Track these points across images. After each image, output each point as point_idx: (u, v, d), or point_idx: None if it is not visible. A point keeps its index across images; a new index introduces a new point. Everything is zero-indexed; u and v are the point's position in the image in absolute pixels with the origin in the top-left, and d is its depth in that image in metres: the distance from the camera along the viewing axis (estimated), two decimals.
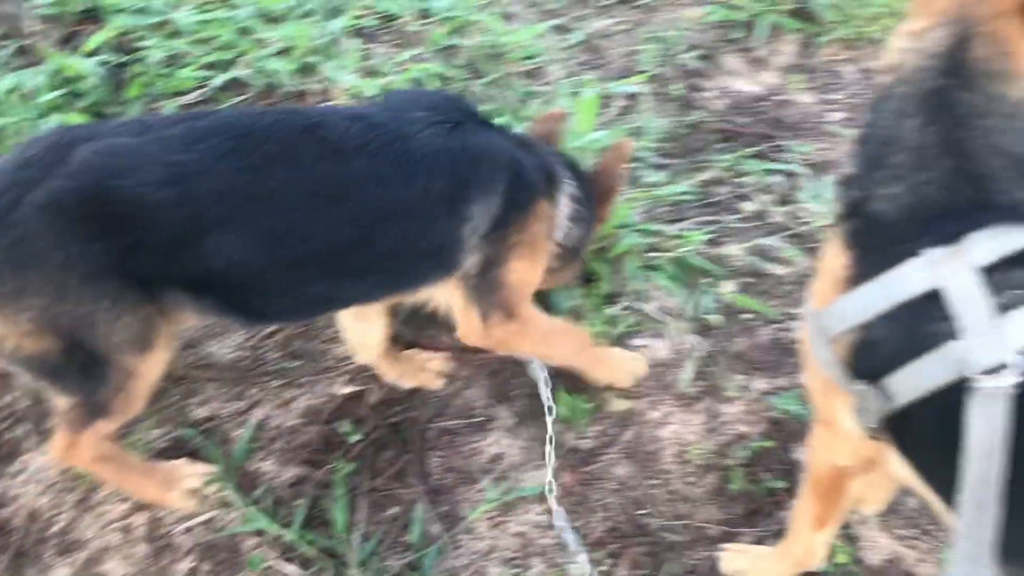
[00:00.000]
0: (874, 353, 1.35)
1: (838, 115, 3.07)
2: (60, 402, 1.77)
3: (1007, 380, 1.18)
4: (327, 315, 2.11)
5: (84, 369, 1.65)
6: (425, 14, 3.10)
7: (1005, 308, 1.22)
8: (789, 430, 2.15)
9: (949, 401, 1.24)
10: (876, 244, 1.35)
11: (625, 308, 2.36)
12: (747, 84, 3.14)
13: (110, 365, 1.65)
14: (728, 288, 2.45)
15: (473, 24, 3.08)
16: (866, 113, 1.44)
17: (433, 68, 2.88)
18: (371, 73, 2.88)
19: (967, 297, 1.24)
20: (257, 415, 2.15)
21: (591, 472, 2.08)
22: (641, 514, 2.01)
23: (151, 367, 1.71)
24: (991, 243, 1.25)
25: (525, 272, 1.92)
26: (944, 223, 1.28)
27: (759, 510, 2.02)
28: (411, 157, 1.70)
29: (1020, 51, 1.29)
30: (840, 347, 1.41)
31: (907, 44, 1.37)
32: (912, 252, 1.29)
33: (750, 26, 3.27)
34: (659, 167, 2.73)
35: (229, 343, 2.26)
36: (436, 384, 2.22)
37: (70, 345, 1.60)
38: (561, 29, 3.18)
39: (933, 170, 1.30)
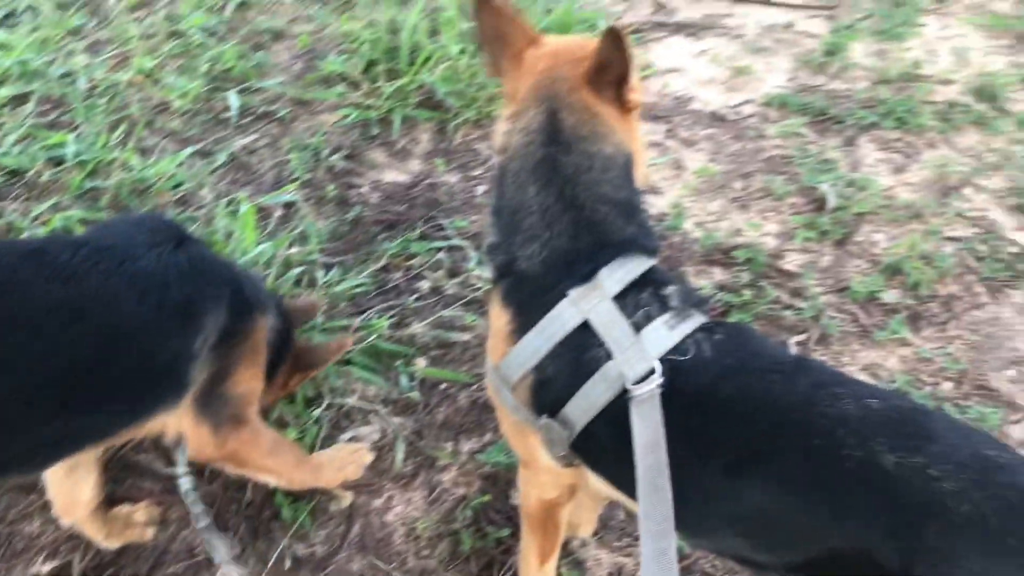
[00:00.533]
0: (549, 389, 1.54)
1: (482, 188, 3.36)
2: None
3: (654, 383, 1.41)
4: (58, 461, 1.85)
5: None
6: (58, 162, 2.98)
7: (639, 327, 1.46)
8: (503, 480, 2.31)
9: (616, 412, 1.44)
10: (529, 297, 1.56)
11: (327, 407, 2.40)
12: (396, 174, 3.34)
13: None
14: (421, 364, 2.59)
15: (110, 163, 3.01)
16: (492, 189, 1.66)
17: (76, 214, 2.78)
18: (9, 231, 2.72)
19: (609, 323, 1.47)
20: None
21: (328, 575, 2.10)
22: None
23: None
24: (616, 274, 1.51)
25: (252, 381, 1.92)
26: (578, 266, 1.52)
27: (492, 561, 2.14)
28: (143, 274, 1.68)
29: (602, 113, 1.56)
30: (521, 392, 1.58)
31: (509, 127, 1.61)
32: (560, 296, 1.50)
33: (386, 122, 3.49)
34: (330, 266, 2.82)
35: None
36: (147, 535, 2.12)
37: None
38: (203, 153, 3.20)
39: (557, 225, 1.54)
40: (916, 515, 1.26)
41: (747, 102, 3.89)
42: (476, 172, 3.43)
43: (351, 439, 2.37)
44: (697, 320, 1.49)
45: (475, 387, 2.54)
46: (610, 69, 1.51)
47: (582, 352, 1.50)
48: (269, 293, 2.15)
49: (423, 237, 3.04)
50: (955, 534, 1.24)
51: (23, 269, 1.58)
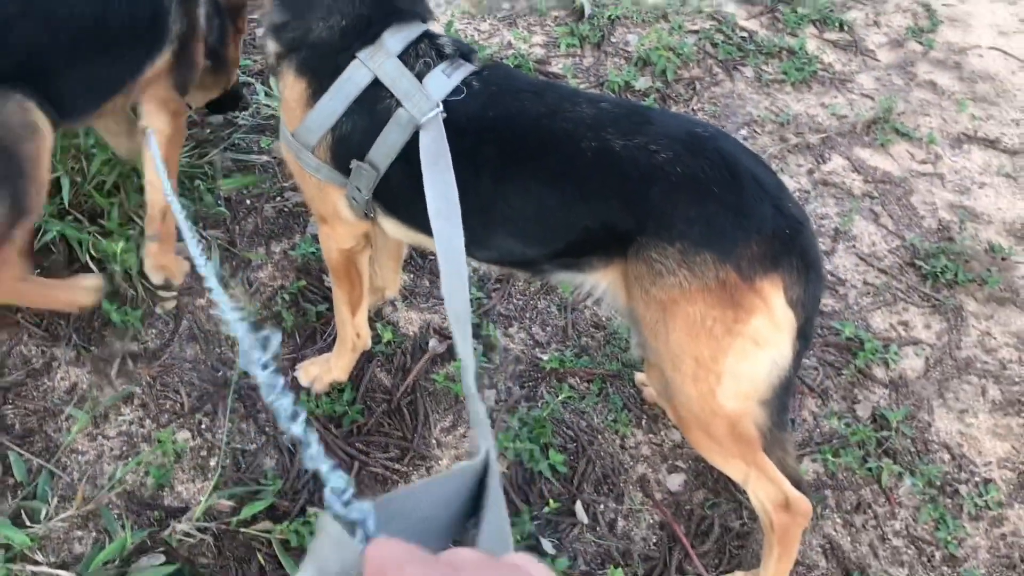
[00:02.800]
0: (349, 143, 1.78)
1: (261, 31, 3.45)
2: None
3: (436, 112, 1.67)
4: (101, 103, 2.18)
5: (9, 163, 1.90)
6: None
7: (421, 76, 1.71)
8: (315, 268, 2.54)
9: (410, 152, 1.70)
10: (323, 64, 1.77)
11: (141, 231, 2.54)
12: None
13: (19, 154, 1.90)
14: (223, 183, 2.74)
15: None
16: None
17: None
18: None
19: (396, 76, 1.72)
20: None
21: (164, 364, 2.28)
22: (220, 375, 2.28)
23: (44, 150, 1.97)
24: (398, 35, 1.74)
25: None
26: (368, 31, 1.74)
27: (314, 332, 2.39)
28: None
29: None
30: (321, 151, 1.81)
31: None
32: (350, 59, 1.72)
33: None
34: None
35: None
36: None
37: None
38: None
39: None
40: (641, 183, 1.61)
41: None
42: (253, 17, 3.52)
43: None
44: (468, 67, 1.75)
45: (278, 198, 2.74)
46: None
47: (375, 105, 1.74)
48: None
49: None
50: (673, 191, 1.60)
51: None
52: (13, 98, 1.89)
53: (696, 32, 3.57)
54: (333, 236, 2.02)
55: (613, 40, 3.51)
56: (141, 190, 2.62)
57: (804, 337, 1.67)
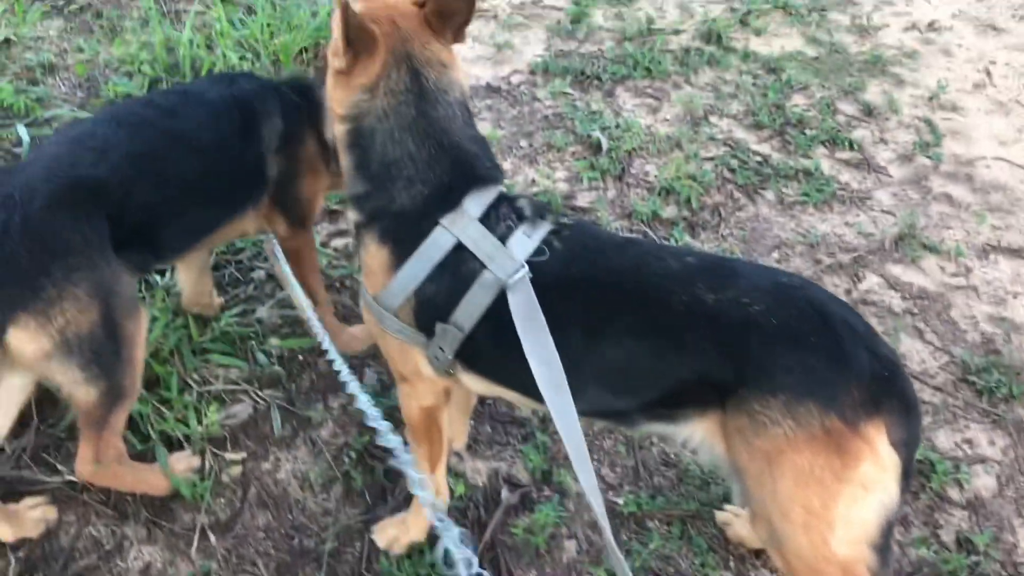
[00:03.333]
0: (433, 305, 1.81)
1: None
2: (86, 398, 1.95)
3: (523, 273, 1.71)
4: (192, 247, 2.38)
5: (108, 343, 1.93)
6: None
7: (504, 238, 1.76)
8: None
9: (496, 312, 1.73)
10: (406, 231, 1.81)
11: (201, 394, 2.53)
12: None
13: (119, 336, 1.95)
14: (275, 342, 2.75)
15: None
16: (345, 151, 1.86)
17: None
18: None
19: (478, 239, 1.76)
20: None
21: (237, 534, 2.24)
22: (296, 542, 2.23)
23: (143, 329, 2.05)
24: (477, 200, 1.79)
25: (313, 185, 2.54)
26: (449, 198, 1.78)
27: (385, 490, 2.36)
28: (212, 103, 2.31)
29: (447, 61, 1.82)
30: (405, 314, 1.84)
31: (366, 95, 1.80)
32: (433, 224, 1.76)
33: None
34: (163, 271, 2.91)
35: None
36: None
37: (106, 308, 1.91)
38: None
39: (437, 168, 1.80)
40: (738, 335, 1.64)
41: (515, 72, 4.27)
42: None
43: (226, 418, 2.51)
44: (547, 225, 1.80)
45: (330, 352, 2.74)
46: (454, 18, 1.79)
47: (459, 268, 1.77)
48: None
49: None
50: (770, 342, 1.63)
51: (144, 114, 2.21)
52: (125, 274, 1.96)
53: (712, 159, 3.69)
54: (414, 394, 2.02)
55: (633, 171, 3.61)
56: (195, 352, 2.64)
57: (907, 475, 1.68)
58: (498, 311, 1.74)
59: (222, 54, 3.84)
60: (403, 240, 1.83)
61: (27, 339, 1.83)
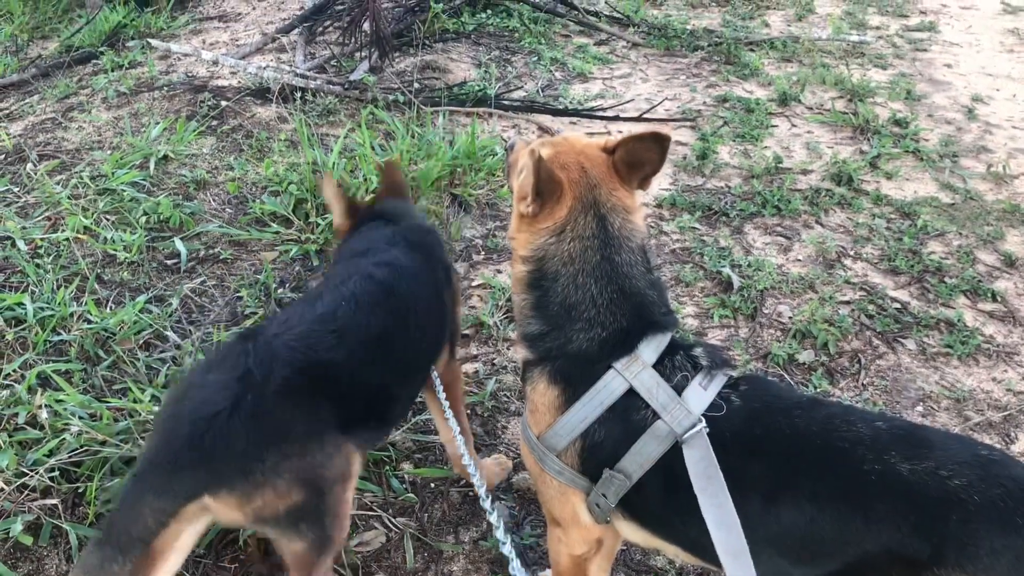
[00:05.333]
0: (599, 450, 1.78)
1: None
2: (292, 549, 1.93)
3: (701, 427, 1.67)
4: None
5: (316, 508, 1.90)
6: (19, 321, 3.03)
7: (679, 389, 1.73)
8: (507, 562, 2.46)
9: (666, 465, 1.69)
10: (578, 372, 1.80)
11: None
12: None
13: (330, 499, 1.92)
14: (407, 467, 2.74)
15: (70, 317, 3.09)
16: (524, 290, 1.89)
17: (47, 368, 2.84)
18: None
19: (653, 387, 1.74)
20: None
21: None
22: None
23: (351, 492, 2.04)
24: (652, 345, 1.78)
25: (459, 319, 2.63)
26: (625, 343, 1.77)
27: None
28: (417, 273, 2.35)
29: (631, 208, 1.84)
30: (568, 457, 1.81)
31: (552, 238, 1.84)
32: (605, 368, 1.75)
33: (324, 252, 3.70)
34: None
35: None
36: None
37: (311, 491, 1.88)
38: (157, 299, 3.31)
39: (616, 312, 1.80)
40: (938, 510, 1.55)
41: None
42: None
43: (359, 545, 2.49)
44: (724, 376, 1.77)
45: (463, 483, 2.72)
46: (643, 168, 1.83)
47: (629, 414, 1.75)
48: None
49: None
50: (974, 520, 1.53)
51: (375, 293, 2.17)
52: (347, 446, 1.97)
53: (848, 303, 3.61)
54: (566, 540, 1.97)
55: (766, 311, 3.56)
56: None
57: None
58: (670, 463, 1.70)
59: (364, 177, 4.00)
60: (575, 381, 1.81)
61: (224, 511, 1.84)
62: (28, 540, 2.29)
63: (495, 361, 3.28)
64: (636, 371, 1.76)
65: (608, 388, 1.77)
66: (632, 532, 1.89)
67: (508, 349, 3.33)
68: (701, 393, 1.74)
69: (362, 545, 2.50)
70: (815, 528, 1.65)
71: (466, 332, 3.40)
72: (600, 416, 1.77)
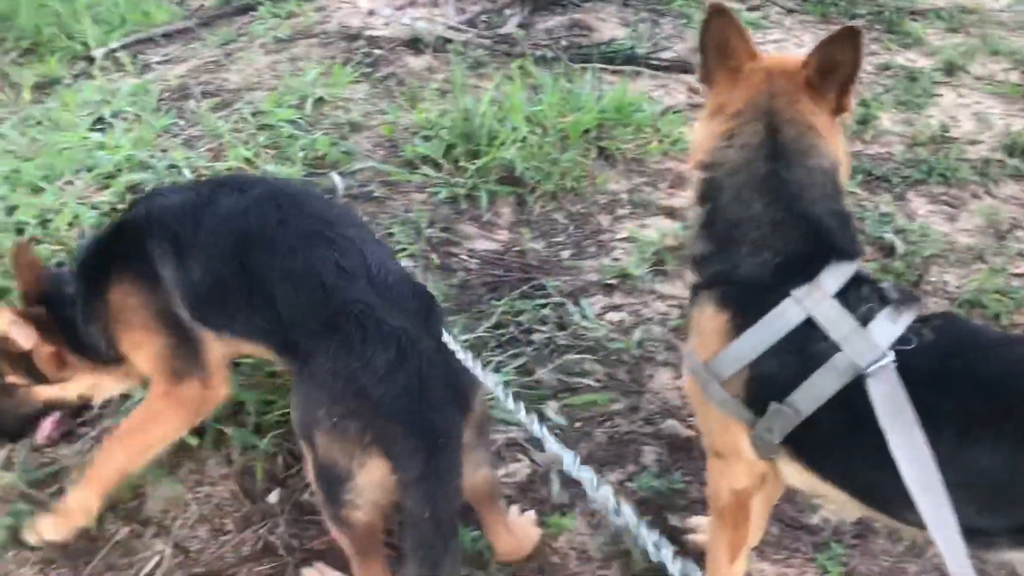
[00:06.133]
0: (769, 382, 1.68)
1: (567, 252, 3.56)
2: None
3: (888, 360, 1.56)
4: None
5: None
6: None
7: (865, 320, 1.62)
8: (654, 504, 2.42)
9: (844, 401, 1.59)
10: (750, 299, 1.71)
11: None
12: (487, 243, 3.54)
13: None
14: (554, 404, 2.72)
15: None
16: (697, 202, 1.82)
17: None
18: None
19: (834, 318, 1.63)
20: None
21: None
22: None
23: None
24: (835, 275, 1.67)
25: None
26: (803, 269, 1.68)
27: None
28: None
29: (816, 125, 1.73)
30: (733, 386, 1.73)
31: (719, 142, 1.77)
32: (782, 296, 1.66)
33: (471, 197, 3.71)
34: (450, 322, 2.97)
35: None
36: None
37: None
38: None
39: (787, 235, 1.70)
40: None
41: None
42: (558, 239, 3.64)
43: (504, 475, 2.48)
44: (913, 312, 1.65)
45: (609, 423, 2.68)
46: (838, 72, 1.70)
47: (806, 346, 1.65)
48: None
49: (524, 296, 3.22)
50: None
51: None
52: None
53: (1021, 276, 3.38)
54: (727, 473, 1.90)
55: (931, 279, 3.37)
56: None
57: None
58: (848, 398, 1.60)
59: (512, 127, 3.98)
60: (746, 308, 1.72)
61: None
62: (193, 441, 2.37)
63: (641, 312, 3.21)
64: (816, 300, 1.66)
65: (784, 317, 1.67)
66: (796, 474, 1.80)
67: (655, 302, 3.26)
68: (889, 326, 1.63)
69: (508, 476, 2.49)
70: (1009, 473, 1.52)
71: (610, 282, 3.35)
72: (772, 346, 1.68)
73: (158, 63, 5.15)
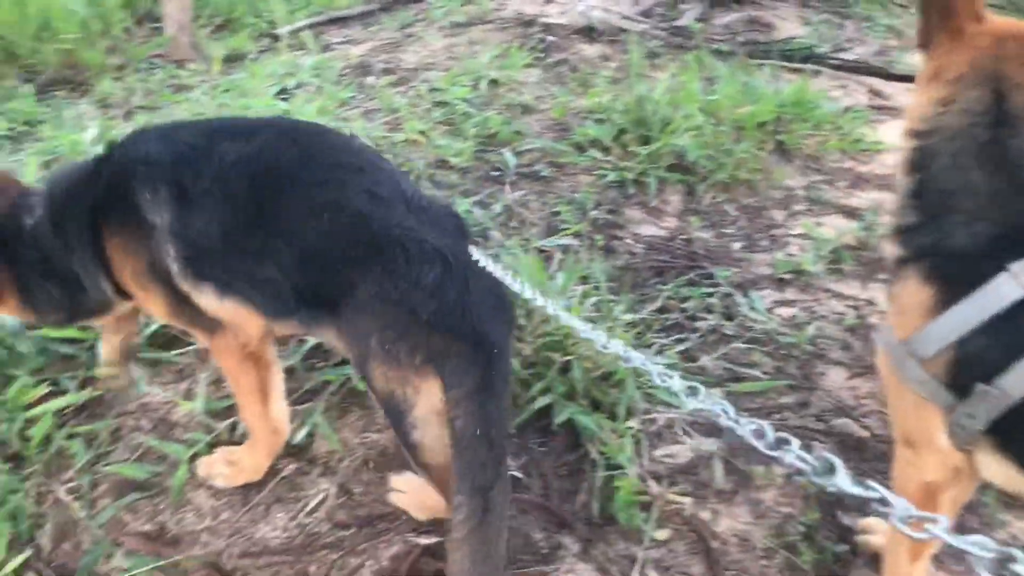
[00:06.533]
0: (976, 362, 1.54)
1: (737, 244, 3.44)
2: None
3: None
4: None
5: None
6: None
7: None
8: (826, 500, 2.29)
9: None
10: (960, 273, 1.57)
11: (644, 422, 2.46)
12: (653, 229, 3.46)
13: None
14: (717, 393, 2.62)
15: None
16: (905, 172, 1.70)
17: None
18: None
19: None
20: None
21: None
22: None
23: None
24: None
25: None
26: (1021, 243, 1.53)
27: (834, 575, 2.11)
28: None
29: None
30: (934, 366, 1.60)
31: (937, 108, 1.65)
32: (998, 270, 1.52)
33: (639, 183, 3.65)
34: (613, 302, 2.92)
35: (274, 524, 2.13)
36: None
37: None
38: (482, 204, 3.40)
39: (1008, 207, 1.56)
40: None
41: None
42: (728, 230, 3.53)
43: (665, 456, 2.41)
44: None
45: (777, 415, 2.56)
46: None
47: (1022, 325, 1.51)
48: None
49: (691, 283, 3.13)
50: None
51: None
52: None
53: None
54: (916, 464, 1.75)
55: None
56: (639, 387, 2.58)
57: None
58: None
59: (686, 115, 3.89)
60: (954, 281, 1.59)
61: None
62: (362, 386, 2.41)
63: (814, 309, 3.07)
64: None
65: (997, 292, 1.52)
66: (996, 467, 1.64)
67: (830, 300, 3.11)
68: None
69: (668, 457, 2.42)
70: None
71: (782, 277, 3.22)
72: (982, 323, 1.54)
73: (338, 43, 5.33)
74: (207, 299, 1.92)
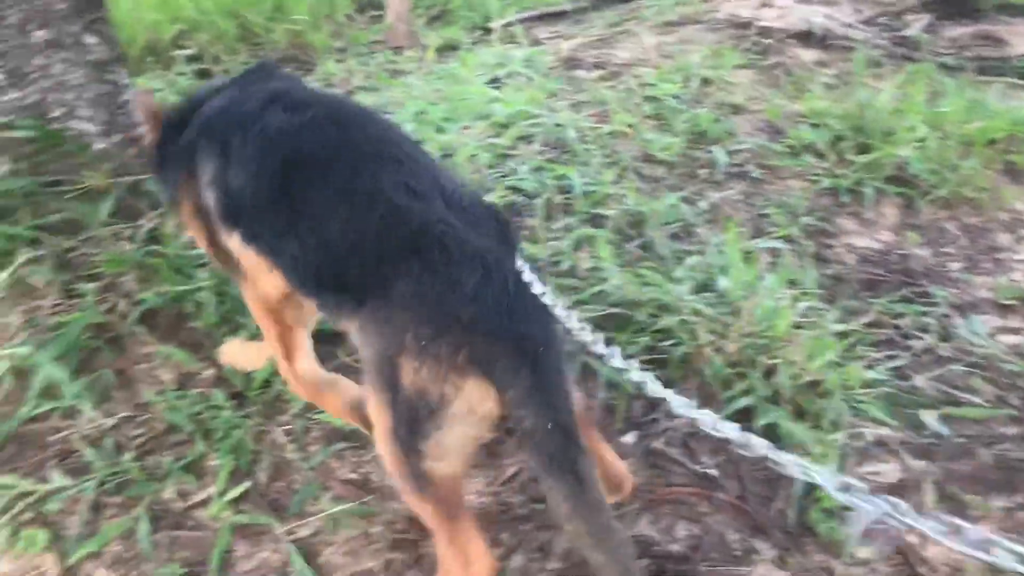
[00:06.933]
0: None
1: (956, 264, 3.23)
2: None
3: None
4: None
5: None
6: (565, 190, 3.26)
7: None
8: None
9: None
10: None
11: (851, 435, 2.35)
12: (868, 241, 3.30)
13: None
14: (930, 415, 2.47)
15: (609, 196, 3.24)
16: None
17: (584, 232, 3.00)
18: (533, 241, 2.99)
19: None
20: (516, 561, 2.04)
21: None
22: None
23: None
24: None
25: None
26: None
27: None
28: None
29: None
30: None
31: None
32: None
33: (854, 192, 3.49)
34: (823, 311, 2.80)
35: (471, 488, 2.17)
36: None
37: None
38: (688, 200, 3.35)
39: None
40: None
41: None
42: (948, 249, 3.32)
43: (869, 473, 2.29)
44: None
45: (997, 445, 2.38)
46: None
47: None
48: None
49: (905, 300, 2.96)
50: None
51: None
52: None
53: None
54: None
55: None
56: (846, 401, 2.46)
57: None
58: None
59: (908, 127, 3.70)
60: None
61: None
62: None
63: None
64: None
65: None
66: None
67: None
68: None
69: (872, 474, 2.29)
70: None
71: (1007, 303, 3.01)
72: None
73: (548, 38, 5.39)
74: (234, 243, 1.94)
